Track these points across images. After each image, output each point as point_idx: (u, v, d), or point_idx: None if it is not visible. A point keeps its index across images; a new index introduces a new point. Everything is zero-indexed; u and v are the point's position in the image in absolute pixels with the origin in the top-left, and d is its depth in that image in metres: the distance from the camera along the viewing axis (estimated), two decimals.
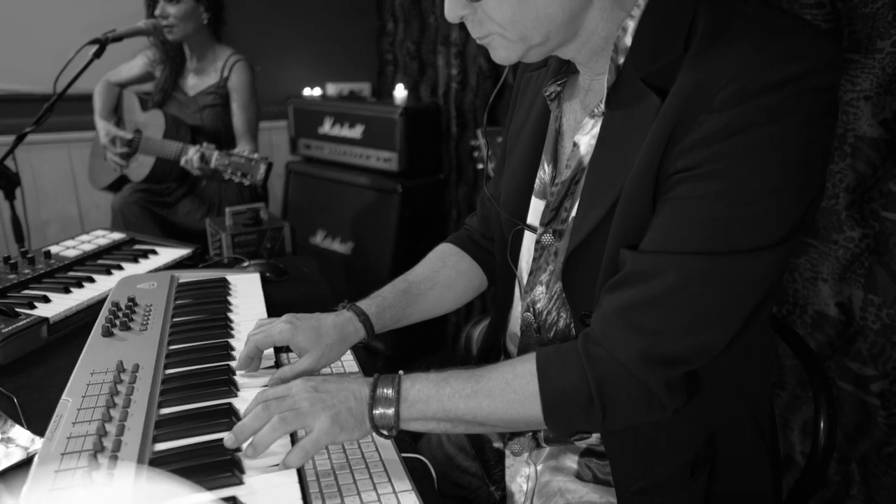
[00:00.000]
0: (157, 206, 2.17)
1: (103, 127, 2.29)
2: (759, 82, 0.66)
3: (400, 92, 2.77)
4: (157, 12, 2.12)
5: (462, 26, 2.57)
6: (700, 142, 0.69)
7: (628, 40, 0.78)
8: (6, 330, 1.02)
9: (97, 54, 1.98)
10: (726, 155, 0.68)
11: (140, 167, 2.22)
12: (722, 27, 0.71)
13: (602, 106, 0.80)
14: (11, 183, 2.08)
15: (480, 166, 2.03)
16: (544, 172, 0.93)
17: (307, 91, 3.14)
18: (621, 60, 0.78)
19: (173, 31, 2.12)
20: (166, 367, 0.91)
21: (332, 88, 3.34)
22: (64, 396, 0.82)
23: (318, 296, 1.38)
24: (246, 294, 1.21)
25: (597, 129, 0.82)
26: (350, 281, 3.03)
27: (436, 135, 2.89)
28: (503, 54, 0.79)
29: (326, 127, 3.01)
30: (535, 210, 0.94)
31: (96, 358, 0.91)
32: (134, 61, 2.37)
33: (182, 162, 1.99)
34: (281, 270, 1.45)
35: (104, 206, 3.00)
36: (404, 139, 2.72)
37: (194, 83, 2.27)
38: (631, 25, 0.77)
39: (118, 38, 2.01)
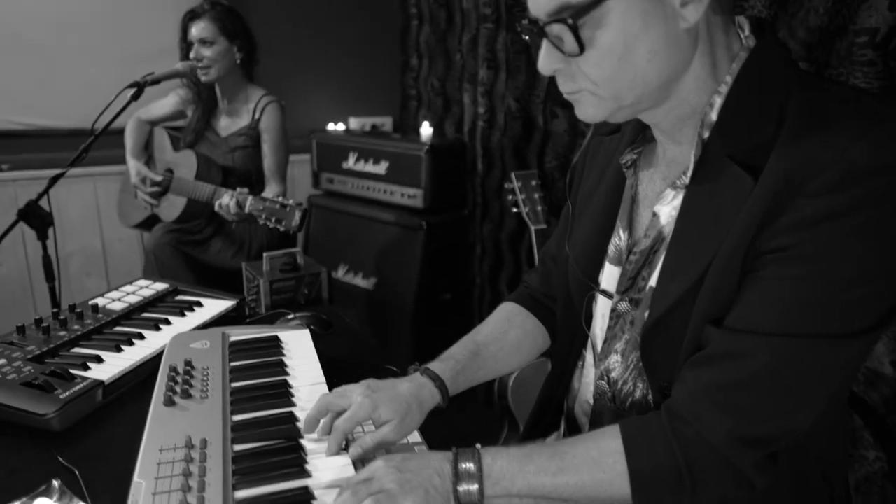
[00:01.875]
0: (189, 245, 2.16)
1: (134, 166, 2.29)
2: (860, 169, 0.65)
3: (426, 129, 2.78)
4: (192, 55, 2.13)
5: (490, 65, 2.59)
6: (796, 224, 0.68)
7: (714, 115, 0.77)
8: (64, 396, 1.01)
9: (135, 97, 1.98)
10: (823, 239, 0.67)
11: (171, 207, 2.21)
12: (818, 109, 0.70)
13: (685, 179, 0.80)
14: (45, 223, 2.08)
15: (515, 210, 2.02)
16: (619, 239, 0.92)
17: (331, 126, 3.14)
18: (706, 135, 0.78)
19: (209, 72, 2.13)
20: (233, 441, 0.89)
21: (355, 122, 3.35)
22: (136, 478, 0.80)
23: (366, 351, 1.36)
24: (299, 354, 1.19)
25: (678, 201, 0.81)
26: (373, 316, 3.01)
27: (460, 171, 2.89)
28: (591, 112, 0.79)
29: (350, 162, 3.00)
30: (610, 276, 0.93)
31: (163, 432, 0.89)
32: (165, 100, 2.38)
33: (216, 207, 1.98)
34: (326, 323, 1.43)
35: (127, 240, 3.00)
36: (430, 176, 2.72)
37: (226, 124, 2.28)
38: (718, 101, 0.77)
39: (156, 81, 2.02)
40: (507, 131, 2.50)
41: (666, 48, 0.72)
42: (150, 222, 2.34)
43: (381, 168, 2.90)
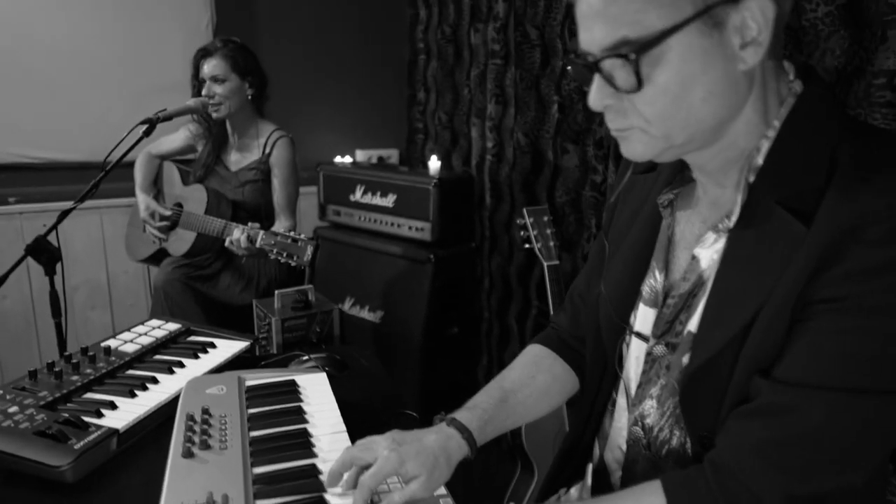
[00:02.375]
0: (198, 281, 2.14)
1: (144, 201, 2.28)
2: None
3: (434, 163, 2.78)
4: (204, 91, 2.13)
5: (498, 100, 2.60)
6: (851, 274, 0.66)
7: (761, 159, 0.76)
8: (79, 446, 0.98)
9: (147, 133, 1.98)
10: (880, 291, 0.65)
11: (180, 242, 2.20)
12: (871, 157, 0.70)
13: (728, 222, 0.78)
14: (53, 258, 2.06)
15: (527, 245, 2.01)
16: (655, 281, 0.90)
17: (338, 158, 3.15)
18: (752, 178, 0.77)
19: (219, 108, 2.14)
20: (256, 496, 0.86)
21: (361, 155, 3.36)
22: None
23: (384, 394, 1.33)
24: (317, 399, 1.16)
25: (720, 245, 0.80)
26: (379, 349, 2.98)
27: (468, 204, 2.89)
28: (639, 149, 0.77)
29: (358, 194, 3.00)
30: (644, 318, 0.91)
31: (183, 487, 0.86)
32: (176, 134, 2.38)
33: (227, 242, 1.97)
34: (341, 364, 1.40)
35: (132, 272, 2.97)
36: (438, 209, 2.71)
37: (236, 159, 2.27)
38: (765, 145, 0.76)
39: (168, 118, 2.02)
40: (515, 166, 2.50)
41: (723, 89, 0.71)
42: (158, 256, 2.32)
43: (389, 201, 2.90)
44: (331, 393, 1.19)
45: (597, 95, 0.75)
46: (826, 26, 1.37)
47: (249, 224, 1.97)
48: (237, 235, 1.93)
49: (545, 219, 2.03)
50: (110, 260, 2.94)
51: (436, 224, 2.73)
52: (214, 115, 2.13)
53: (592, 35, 0.72)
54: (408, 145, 3.35)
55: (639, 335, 0.91)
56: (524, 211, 2.03)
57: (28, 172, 2.74)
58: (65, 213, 2.01)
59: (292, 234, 1.88)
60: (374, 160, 3.39)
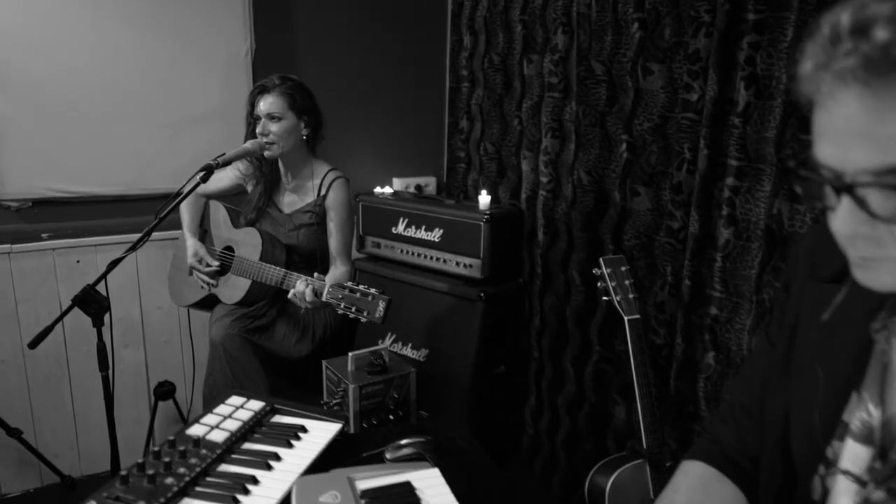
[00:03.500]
0: (255, 333, 2.03)
1: (193, 245, 2.17)
2: None
3: (484, 197, 2.67)
4: (258, 129, 2.02)
5: (555, 134, 2.50)
6: None
7: None
8: None
9: (204, 179, 1.87)
10: None
11: (233, 289, 2.09)
12: None
13: None
14: (101, 308, 1.95)
15: (605, 298, 1.90)
16: (869, 415, 0.79)
17: (378, 189, 3.04)
18: None
19: (272, 148, 2.03)
20: None
21: (398, 183, 3.25)
22: None
23: (494, 482, 1.22)
24: (437, 502, 1.05)
25: None
26: (423, 388, 2.87)
27: (518, 240, 2.78)
28: (886, 281, 0.67)
29: (400, 227, 2.89)
30: (855, 456, 0.80)
31: None
32: (223, 172, 2.27)
33: (290, 294, 1.86)
34: (440, 449, 1.30)
35: (166, 308, 2.86)
36: (489, 245, 2.61)
37: (290, 200, 2.17)
38: None
39: (227, 163, 1.92)
40: (575, 204, 2.39)
41: None
42: (206, 303, 2.21)
43: (435, 235, 2.79)
44: (450, 494, 1.08)
45: (848, 222, 0.65)
46: None
47: (316, 275, 1.86)
48: (301, 288, 1.82)
49: (623, 269, 1.93)
50: (144, 296, 2.82)
51: (486, 261, 2.62)
52: (267, 153, 2.03)
53: (847, 154, 0.62)
54: (447, 174, 3.24)
55: (849, 474, 0.81)
56: (601, 261, 1.92)
57: (62, 207, 2.62)
58: (114, 263, 1.90)
59: (361, 287, 1.78)
60: (412, 189, 3.28)
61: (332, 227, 2.13)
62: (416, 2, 3.17)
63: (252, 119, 2.04)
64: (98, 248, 2.69)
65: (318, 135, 2.13)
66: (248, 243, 2.09)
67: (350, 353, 1.63)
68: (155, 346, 2.87)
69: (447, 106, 3.17)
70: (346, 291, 1.79)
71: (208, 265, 2.14)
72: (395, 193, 3.07)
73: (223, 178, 2.26)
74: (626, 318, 1.88)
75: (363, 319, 1.75)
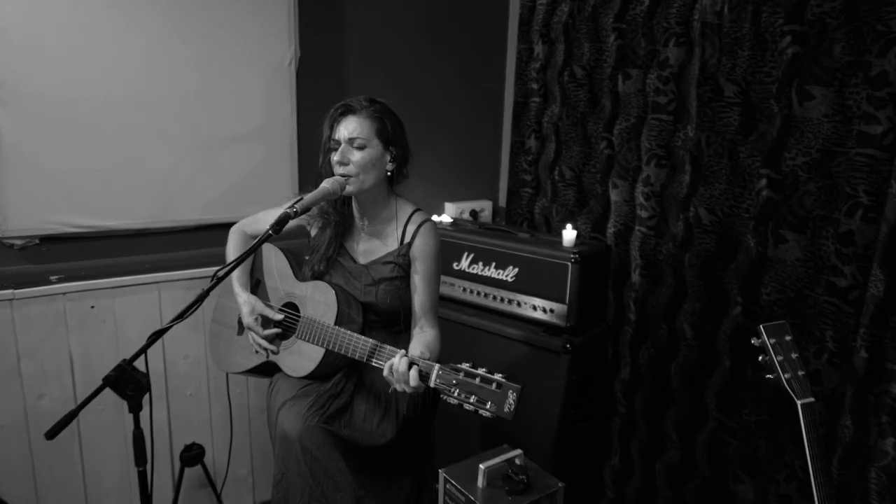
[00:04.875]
0: (334, 420, 1.62)
1: (248, 301, 1.76)
2: None
3: (569, 232, 2.30)
4: (336, 157, 1.63)
5: (660, 162, 2.14)
6: None
7: None
8: None
9: (277, 231, 1.47)
10: None
11: (300, 359, 1.69)
12: None
13: None
14: (140, 389, 1.55)
15: (769, 376, 1.54)
16: None
17: (435, 218, 2.66)
18: None
19: (351, 181, 1.63)
20: None
21: (451, 209, 2.87)
22: None
23: None
24: None
25: None
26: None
27: (604, 280, 2.42)
28: None
29: (464, 263, 2.52)
30: None
31: None
32: (281, 210, 1.87)
33: (386, 372, 1.47)
34: None
35: (193, 357, 2.45)
36: (577, 289, 2.24)
37: (367, 248, 1.77)
38: None
39: (307, 209, 1.52)
40: (690, 245, 2.03)
41: None
42: (261, 370, 1.81)
43: (508, 274, 2.42)
44: None
45: None
46: None
47: (420, 352, 1.48)
48: (403, 368, 1.43)
49: (787, 339, 1.56)
50: (168, 343, 2.41)
51: (573, 306, 2.26)
52: (347, 189, 1.63)
53: None
54: (508, 198, 2.86)
55: None
56: (762, 329, 1.56)
57: (74, 244, 2.19)
58: (158, 334, 1.49)
59: (481, 371, 1.40)
60: (466, 214, 2.90)
61: (418, 280, 1.74)
62: (476, 5, 2.78)
63: (332, 143, 1.64)
64: (116, 290, 2.27)
65: (402, 172, 1.74)
66: (317, 301, 1.69)
67: (481, 466, 1.26)
68: (179, 399, 2.45)
69: (511, 122, 2.78)
70: (462, 376, 1.41)
71: (270, 326, 1.74)
72: (454, 223, 2.68)
73: None
74: (798, 403, 1.52)
75: (485, 414, 1.37)
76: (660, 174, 2.12)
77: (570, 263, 2.24)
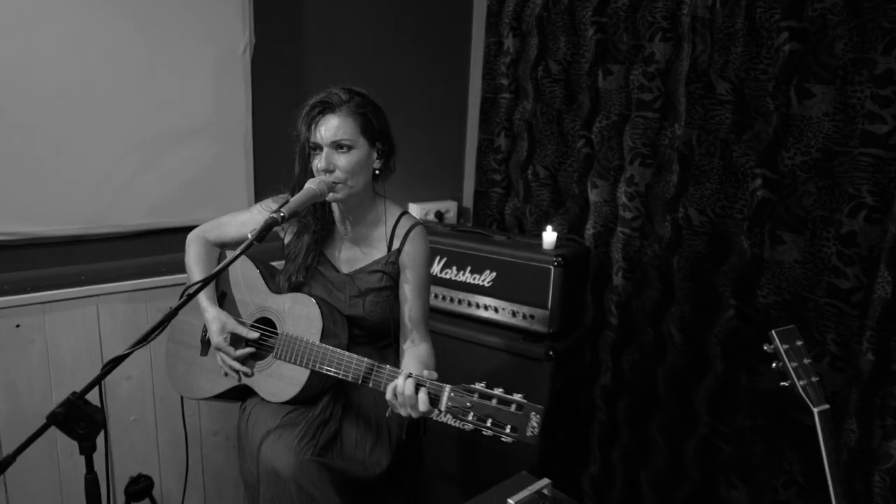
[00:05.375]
0: (327, 451, 1.43)
1: (217, 317, 1.54)
2: None
3: (549, 234, 2.20)
4: (319, 164, 1.44)
5: (645, 162, 2.07)
6: None
7: None
8: None
9: (260, 239, 1.28)
10: None
11: (279, 381, 1.49)
12: None
13: None
14: (94, 426, 1.33)
15: (784, 384, 1.48)
16: None
17: None
18: None
19: (339, 189, 1.46)
20: None
21: (416, 209, 2.72)
22: None
23: None
24: None
25: None
26: (471, 462, 2.37)
27: (584, 284, 2.34)
28: None
29: (436, 267, 2.37)
30: None
31: None
32: (249, 213, 1.65)
33: (389, 395, 1.31)
34: None
35: (136, 377, 2.18)
36: (560, 293, 2.14)
37: (350, 256, 1.59)
38: None
39: (294, 214, 1.33)
40: (679, 247, 1.97)
41: None
42: (233, 394, 1.60)
43: (485, 279, 2.29)
44: None
45: None
46: None
47: (427, 372, 1.32)
48: (408, 390, 1.27)
49: (798, 344, 1.51)
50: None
51: (555, 311, 2.16)
52: (333, 196, 1.45)
53: None
54: (475, 199, 2.74)
55: None
56: (773, 334, 1.49)
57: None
58: (114, 362, 1.27)
59: (498, 392, 1.27)
60: (432, 216, 2.76)
61: (408, 290, 1.58)
62: None
63: (309, 147, 1.45)
64: (46, 306, 1.99)
65: (389, 166, 1.58)
66: (297, 315, 1.50)
67: (509, 500, 1.12)
68: (121, 425, 2.18)
69: (478, 119, 2.66)
70: (476, 397, 1.26)
71: (241, 344, 1.54)
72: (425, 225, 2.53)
73: (249, 221, 1.65)
74: (815, 411, 1.47)
75: (506, 439, 1.23)
76: (644, 174, 2.05)
77: (552, 267, 2.14)
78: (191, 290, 1.25)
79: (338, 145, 1.44)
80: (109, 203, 2.02)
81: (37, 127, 1.82)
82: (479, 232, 2.38)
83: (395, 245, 1.58)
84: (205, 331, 1.64)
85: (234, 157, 2.21)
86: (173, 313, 1.23)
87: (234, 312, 1.62)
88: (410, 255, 1.58)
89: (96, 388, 1.28)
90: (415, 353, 1.55)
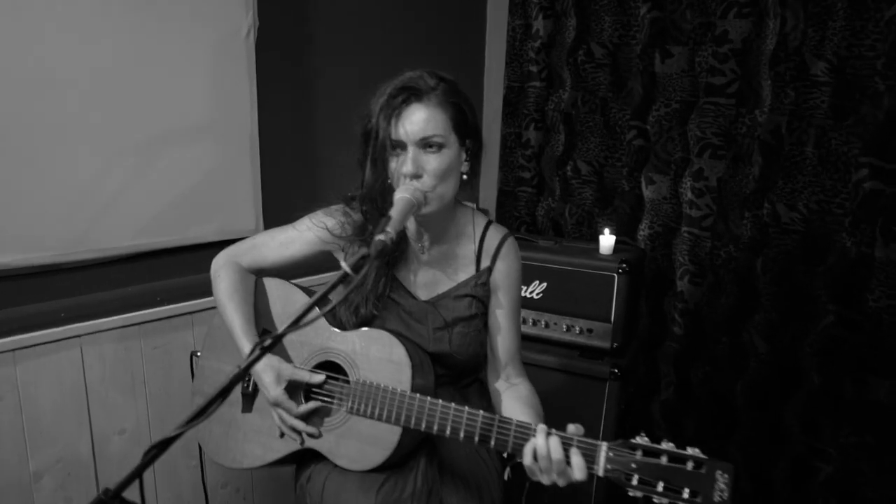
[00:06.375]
0: None
1: (270, 363, 1.22)
2: None
3: (607, 238, 1.96)
4: (404, 168, 1.14)
5: (717, 154, 1.85)
6: None
7: None
8: None
9: (357, 269, 0.97)
10: None
11: (363, 444, 1.18)
12: None
13: None
14: None
15: None
16: None
17: None
18: None
19: (430, 199, 1.16)
20: None
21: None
22: None
23: None
24: None
25: None
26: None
27: (640, 292, 2.11)
28: None
29: None
30: None
31: None
32: (294, 232, 1.34)
33: (527, 459, 1.03)
34: None
35: (130, 432, 1.82)
36: (624, 304, 1.91)
37: (429, 279, 1.28)
38: None
39: (399, 230, 1.03)
40: (763, 248, 1.77)
41: None
42: (291, 459, 1.28)
43: (533, 291, 2.03)
44: None
45: None
46: None
47: (572, 427, 1.04)
48: (557, 452, 0.99)
49: None
50: (96, 417, 1.76)
51: (619, 324, 1.93)
52: (426, 210, 1.16)
53: None
54: (501, 199, 2.47)
55: None
56: None
57: None
58: (162, 446, 0.94)
59: (667, 446, 1.01)
60: None
61: (501, 316, 1.30)
62: None
63: (390, 144, 1.15)
64: (20, 353, 1.59)
65: (476, 169, 1.29)
66: (374, 358, 1.20)
67: None
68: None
69: (500, 111, 2.39)
70: (640, 455, 1.00)
71: (301, 396, 1.22)
72: None
73: (295, 240, 1.32)
74: None
75: None
76: (716, 167, 1.83)
77: (616, 275, 1.90)
78: (268, 343, 0.93)
79: (427, 143, 1.14)
80: (91, 222, 1.64)
81: (5, 133, 1.44)
82: (523, 237, 2.12)
83: (486, 262, 1.30)
84: (246, 382, 1.31)
85: (238, 161, 1.87)
86: (241, 374, 0.91)
87: (282, 356, 1.29)
88: (504, 274, 1.30)
89: (139, 484, 0.93)
90: (518, 396, 1.27)
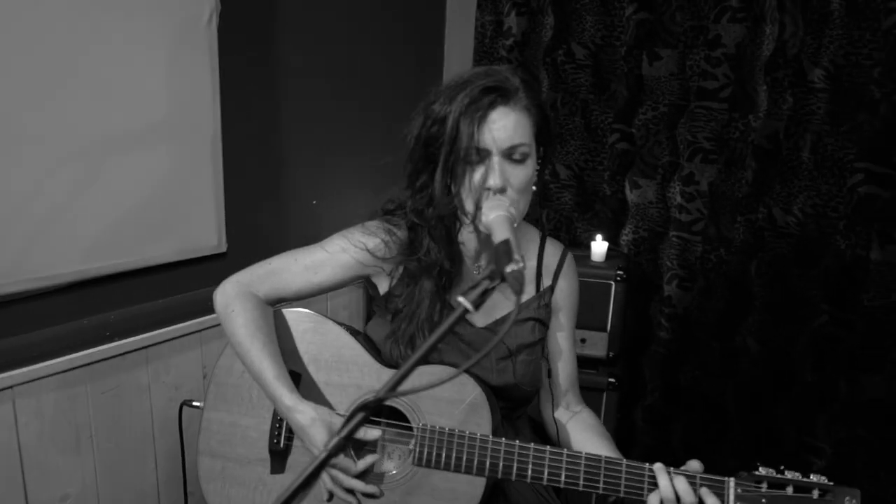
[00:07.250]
0: None
1: (316, 416, 1.01)
2: None
3: (599, 244, 1.90)
4: (493, 181, 0.97)
5: (708, 158, 1.84)
6: None
7: None
8: None
9: (478, 305, 0.81)
10: None
11: (437, 501, 1.01)
12: None
13: None
14: None
15: None
16: None
17: None
18: None
19: (514, 216, 1.01)
20: None
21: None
22: None
23: None
24: None
25: None
26: None
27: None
28: None
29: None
30: None
31: None
32: (324, 254, 1.13)
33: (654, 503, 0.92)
34: None
35: (76, 497, 1.51)
36: (620, 312, 1.87)
37: (487, 303, 1.14)
38: None
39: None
40: (758, 251, 1.79)
41: None
42: None
43: None
44: None
45: None
46: None
47: (695, 463, 0.95)
48: (688, 495, 0.90)
49: None
50: (32, 484, 1.42)
51: (616, 332, 1.88)
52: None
53: None
54: None
55: None
56: None
57: None
58: None
59: (792, 476, 0.96)
60: None
61: (562, 340, 1.18)
62: None
63: (469, 155, 0.98)
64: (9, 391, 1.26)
65: (543, 179, 1.15)
66: (444, 399, 1.03)
67: None
68: None
69: None
70: (766, 488, 0.93)
71: (349, 449, 1.02)
72: None
73: (327, 264, 1.12)
74: None
75: None
76: (708, 171, 1.83)
77: (613, 282, 1.85)
78: (372, 400, 0.75)
79: (512, 152, 1.00)
80: (26, 245, 1.33)
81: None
82: None
83: (546, 281, 1.17)
84: (275, 437, 1.09)
85: (200, 165, 1.61)
86: (340, 446, 0.73)
87: (320, 402, 1.09)
88: (566, 293, 1.18)
89: None
90: (587, 426, 1.16)
